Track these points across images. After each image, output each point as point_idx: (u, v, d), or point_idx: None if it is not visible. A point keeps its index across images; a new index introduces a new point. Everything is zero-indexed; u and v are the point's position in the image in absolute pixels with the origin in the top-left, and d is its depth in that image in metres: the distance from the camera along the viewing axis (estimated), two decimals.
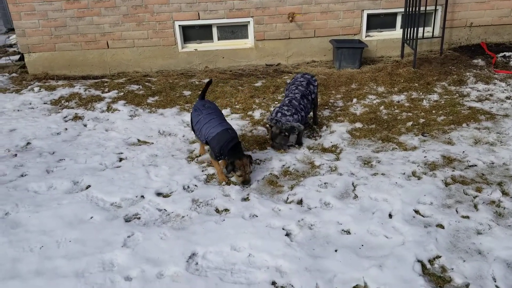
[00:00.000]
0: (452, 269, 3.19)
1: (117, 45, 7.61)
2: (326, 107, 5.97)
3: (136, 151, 5.00)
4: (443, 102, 5.92)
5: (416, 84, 6.52)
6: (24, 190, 4.31)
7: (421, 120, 5.43)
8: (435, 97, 6.09)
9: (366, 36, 7.78)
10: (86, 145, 5.19)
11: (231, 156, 4.02)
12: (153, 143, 5.21)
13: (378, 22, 7.86)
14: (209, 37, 7.85)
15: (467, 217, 3.70)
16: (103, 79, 7.40)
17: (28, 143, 5.26)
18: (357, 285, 3.09)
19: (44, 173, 4.60)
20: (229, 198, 4.10)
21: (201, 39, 7.86)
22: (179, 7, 7.41)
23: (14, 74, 7.68)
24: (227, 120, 4.41)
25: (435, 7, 7.57)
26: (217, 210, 3.94)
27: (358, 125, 5.40)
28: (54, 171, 4.64)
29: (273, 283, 3.12)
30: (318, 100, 5.88)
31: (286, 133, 4.69)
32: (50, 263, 3.35)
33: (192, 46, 7.81)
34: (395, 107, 5.85)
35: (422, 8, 6.93)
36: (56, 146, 5.18)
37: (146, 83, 7.11)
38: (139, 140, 5.29)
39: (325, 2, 7.46)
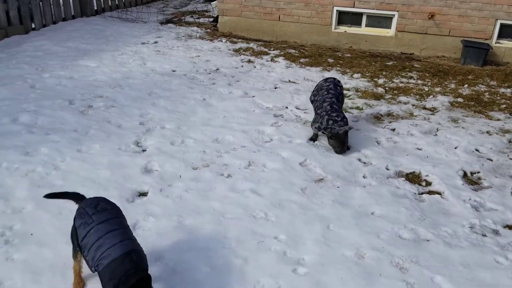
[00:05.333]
0: (485, 179, 4.63)
1: (286, 19, 9.84)
2: (439, 86, 7.37)
3: (286, 85, 7.11)
4: None
5: None
6: (214, 90, 6.70)
7: None
8: None
9: (496, 43, 8.79)
10: (254, 76, 7.46)
11: None
12: (299, 83, 7.26)
13: (510, 31, 8.81)
14: (358, 23, 9.62)
15: None
16: (270, 43, 9.71)
17: (217, 69, 7.72)
18: (414, 171, 4.73)
19: (227, 85, 6.95)
20: None
21: (351, 24, 9.68)
22: None
23: (208, 30, 10.42)
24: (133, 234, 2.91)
25: None
26: None
27: (459, 99, 6.76)
28: (233, 85, 6.97)
29: (359, 159, 4.91)
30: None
31: (347, 131, 4.90)
32: (228, 124, 5.59)
33: (342, 28, 9.68)
34: (498, 95, 7.02)
35: None
36: (235, 73, 7.54)
37: (301, 50, 9.22)
38: (289, 80, 7.39)
39: (464, 8, 8.70)
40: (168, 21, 11.01)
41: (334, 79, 5.51)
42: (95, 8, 11.10)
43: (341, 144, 4.92)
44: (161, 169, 4.50)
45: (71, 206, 3.78)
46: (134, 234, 3.41)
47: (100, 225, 2.72)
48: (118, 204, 3.81)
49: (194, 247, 3.42)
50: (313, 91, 5.52)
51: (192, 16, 11.63)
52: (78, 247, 2.82)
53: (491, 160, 4.99)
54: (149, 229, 3.61)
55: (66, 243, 3.38)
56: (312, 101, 5.48)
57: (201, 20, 11.26)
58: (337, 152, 4.96)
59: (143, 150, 4.85)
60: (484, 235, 3.74)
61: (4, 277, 3.05)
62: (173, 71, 7.46)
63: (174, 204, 3.95)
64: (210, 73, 7.47)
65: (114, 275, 2.54)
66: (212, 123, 5.59)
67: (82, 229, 2.75)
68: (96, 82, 6.70)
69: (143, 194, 4.12)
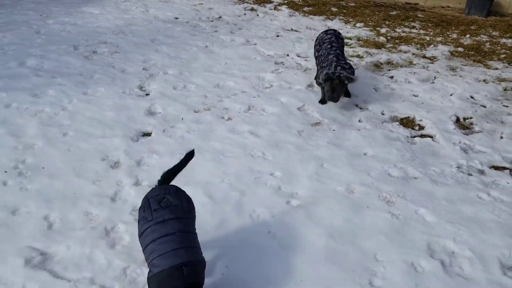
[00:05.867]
0: (477, 124, 4.78)
1: None
2: (441, 35, 7.38)
3: (288, 33, 7.15)
4: None
5: None
6: (216, 38, 6.77)
7: None
8: None
9: None
10: (256, 25, 7.48)
11: None
12: (301, 31, 7.30)
13: None
14: None
15: (507, 106, 5.15)
16: None
17: (220, 17, 7.74)
18: (408, 116, 4.88)
19: (229, 33, 7.01)
20: None
21: None
22: None
23: None
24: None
25: None
26: None
27: (460, 49, 6.80)
28: (235, 33, 7.02)
29: (356, 104, 5.06)
30: None
31: (346, 82, 4.73)
32: (229, 70, 5.71)
33: None
34: (499, 45, 7.04)
35: None
36: (238, 21, 7.57)
37: None
38: (292, 29, 7.42)
39: None
40: None
41: (335, 31, 5.33)
42: None
43: (335, 92, 4.72)
44: (164, 111, 4.68)
45: (80, 144, 4.02)
46: (137, 172, 3.67)
47: (157, 225, 2.43)
48: (122, 143, 4.07)
49: (195, 181, 3.65)
50: (315, 45, 5.34)
51: None
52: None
53: (485, 107, 5.13)
54: (153, 165, 3.83)
55: (76, 176, 3.63)
56: (316, 57, 5.27)
57: None
58: (329, 97, 4.76)
59: (147, 94, 5.02)
60: (470, 174, 3.94)
61: (20, 204, 3.30)
62: (176, 18, 7.49)
63: (176, 144, 4.15)
64: (212, 21, 7.50)
65: (161, 287, 2.31)
66: (214, 69, 5.71)
67: (141, 224, 2.52)
68: (100, 28, 6.78)
69: (147, 134, 4.31)
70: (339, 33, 5.35)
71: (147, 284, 2.43)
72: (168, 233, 2.40)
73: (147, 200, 2.59)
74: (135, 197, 3.43)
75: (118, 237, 3.08)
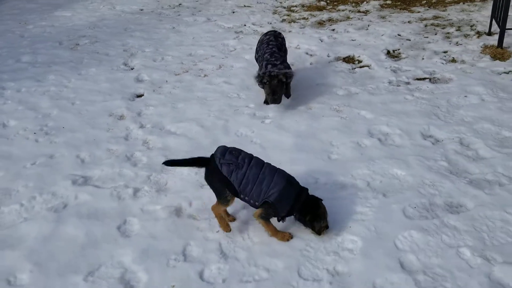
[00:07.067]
0: (403, 53, 5.94)
1: None
2: None
3: (243, 9, 8.20)
4: None
5: None
6: (181, 20, 7.74)
7: (434, 1, 7.87)
8: None
9: None
10: (214, 5, 8.50)
11: (305, 211, 3.01)
12: (253, 6, 8.36)
13: None
14: None
15: (427, 37, 6.34)
16: None
17: (180, 4, 8.71)
18: (349, 55, 5.99)
19: (191, 15, 7.99)
20: (292, 27, 7.10)
21: None
22: None
23: None
24: None
25: None
26: (284, 30, 6.99)
27: (388, 1, 8.01)
28: (196, 15, 8.01)
29: (307, 52, 6.14)
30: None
31: (284, 80, 4.53)
32: (198, 42, 6.70)
33: None
34: None
35: None
36: (196, 5, 8.56)
37: None
38: (244, 5, 8.46)
39: None
40: None
41: (275, 31, 5.26)
42: None
43: (276, 93, 4.53)
44: (150, 78, 5.63)
45: (88, 108, 4.93)
46: (140, 119, 4.62)
47: (252, 168, 2.97)
48: (122, 103, 5.01)
49: (188, 118, 4.63)
50: (256, 48, 5.24)
51: None
52: (233, 193, 3.02)
53: (410, 40, 6.30)
54: (151, 114, 4.79)
55: (92, 128, 4.55)
56: (256, 60, 5.18)
57: None
58: (271, 100, 4.56)
59: (132, 68, 5.94)
60: (399, 86, 5.08)
61: (54, 151, 4.19)
62: (141, 10, 8.41)
63: (166, 97, 5.12)
64: (174, 8, 8.45)
65: (287, 199, 2.96)
66: (184, 43, 6.69)
67: (235, 175, 2.96)
68: (76, 26, 7.62)
69: (140, 95, 5.25)
70: (279, 33, 5.25)
71: (267, 211, 2.97)
72: (262, 163, 3.05)
73: (221, 159, 2.98)
74: (143, 135, 4.38)
75: (138, 159, 4.03)
